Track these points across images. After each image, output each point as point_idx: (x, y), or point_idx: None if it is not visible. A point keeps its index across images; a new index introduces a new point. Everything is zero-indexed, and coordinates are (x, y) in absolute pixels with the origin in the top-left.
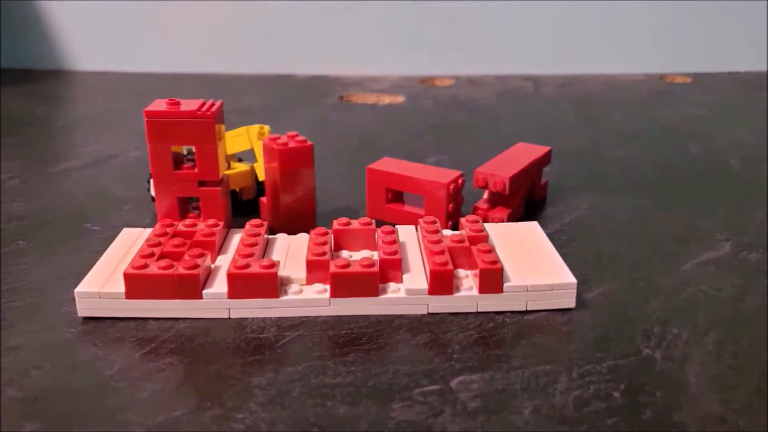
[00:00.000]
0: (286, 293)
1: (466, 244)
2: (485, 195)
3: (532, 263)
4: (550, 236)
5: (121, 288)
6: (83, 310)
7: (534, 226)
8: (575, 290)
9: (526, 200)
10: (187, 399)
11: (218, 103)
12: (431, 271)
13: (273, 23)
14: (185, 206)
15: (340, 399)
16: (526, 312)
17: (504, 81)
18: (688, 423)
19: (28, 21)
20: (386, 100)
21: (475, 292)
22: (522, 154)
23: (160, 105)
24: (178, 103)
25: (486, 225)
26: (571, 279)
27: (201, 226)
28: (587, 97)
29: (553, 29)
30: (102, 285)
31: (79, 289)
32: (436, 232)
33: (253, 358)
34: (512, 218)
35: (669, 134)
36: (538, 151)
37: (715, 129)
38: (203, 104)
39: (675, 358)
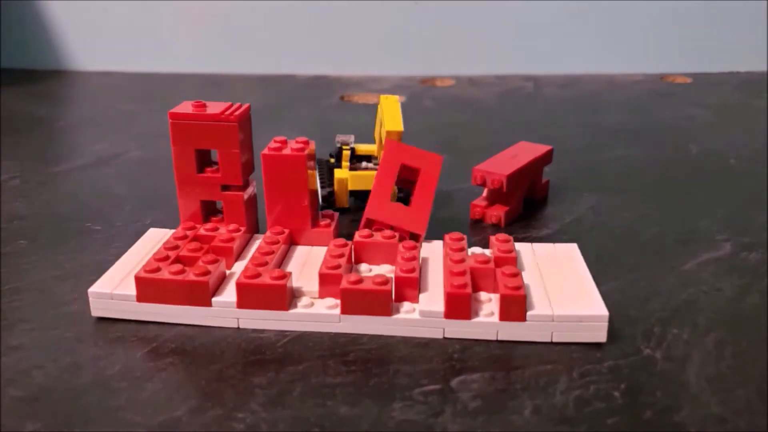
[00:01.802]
0: (296, 306)
1: (492, 265)
2: (484, 192)
3: (563, 290)
4: (551, 236)
5: (134, 290)
6: (96, 309)
7: (572, 249)
8: (606, 323)
9: (526, 199)
10: (187, 399)
11: (245, 106)
12: (446, 294)
13: (274, 23)
14: (210, 210)
15: (341, 399)
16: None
17: (505, 81)
18: (688, 423)
19: (28, 21)
20: None
21: (495, 318)
22: (522, 153)
23: (185, 107)
24: (203, 106)
25: (518, 245)
26: (602, 311)
27: (222, 230)
28: (588, 97)
29: (553, 29)
30: (116, 286)
31: (92, 288)
32: (461, 250)
33: (253, 357)
34: (510, 217)
35: (669, 134)
36: (539, 149)
37: (715, 129)
38: (229, 107)
39: (675, 358)
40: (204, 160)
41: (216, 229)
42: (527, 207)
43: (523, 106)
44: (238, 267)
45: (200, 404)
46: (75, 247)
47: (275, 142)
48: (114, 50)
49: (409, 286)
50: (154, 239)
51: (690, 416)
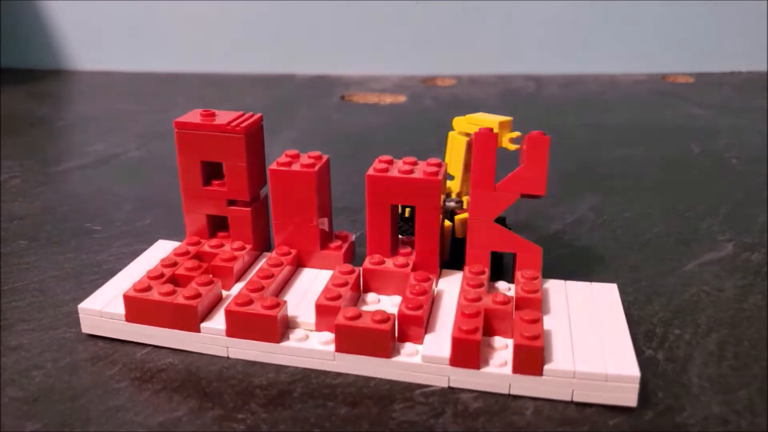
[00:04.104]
0: (288, 338)
1: (510, 307)
2: None
3: (591, 341)
4: (552, 236)
5: (123, 309)
6: (87, 326)
7: (611, 290)
8: (637, 386)
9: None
10: (187, 399)
11: (256, 116)
12: (452, 339)
13: (274, 22)
14: (219, 224)
15: (341, 399)
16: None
17: (506, 81)
18: (690, 424)
19: (28, 21)
20: (388, 99)
21: (508, 369)
22: None
23: (194, 116)
24: (212, 115)
25: (550, 282)
26: (632, 371)
27: (226, 248)
28: (589, 97)
29: (555, 29)
30: (107, 303)
31: (82, 305)
32: (479, 286)
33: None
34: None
35: (671, 134)
36: None
37: (717, 129)
38: (238, 117)
39: (677, 358)
40: (212, 171)
41: (221, 245)
42: (529, 206)
43: (524, 106)
44: (238, 289)
45: (200, 404)
46: (75, 247)
47: (286, 156)
48: (114, 50)
49: (414, 324)
50: (161, 252)
51: (692, 417)
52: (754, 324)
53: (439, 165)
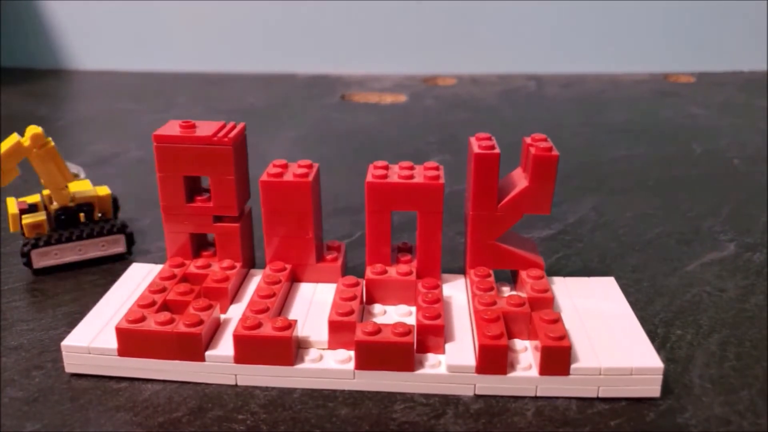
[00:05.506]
0: (302, 360)
1: (527, 308)
2: None
3: (608, 336)
4: (553, 237)
5: (114, 343)
6: (71, 365)
7: (610, 284)
8: (661, 376)
9: None
10: (187, 399)
11: (240, 126)
12: (480, 346)
13: (275, 22)
14: (201, 242)
15: (342, 400)
16: None
17: (507, 80)
18: (691, 424)
19: (28, 20)
20: (388, 99)
21: (534, 372)
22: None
23: (172, 128)
24: (193, 126)
25: (553, 280)
26: (656, 363)
27: (215, 267)
28: (590, 96)
29: (556, 28)
30: (93, 338)
31: (66, 342)
32: (490, 289)
33: None
34: None
35: (673, 134)
36: None
37: (719, 129)
38: (221, 128)
39: (679, 359)
40: (193, 187)
41: (208, 265)
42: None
43: (525, 106)
44: (234, 311)
45: (200, 405)
46: None
47: (274, 166)
48: (114, 50)
49: (434, 334)
50: (138, 276)
51: (693, 417)
52: (756, 324)
53: (438, 168)
